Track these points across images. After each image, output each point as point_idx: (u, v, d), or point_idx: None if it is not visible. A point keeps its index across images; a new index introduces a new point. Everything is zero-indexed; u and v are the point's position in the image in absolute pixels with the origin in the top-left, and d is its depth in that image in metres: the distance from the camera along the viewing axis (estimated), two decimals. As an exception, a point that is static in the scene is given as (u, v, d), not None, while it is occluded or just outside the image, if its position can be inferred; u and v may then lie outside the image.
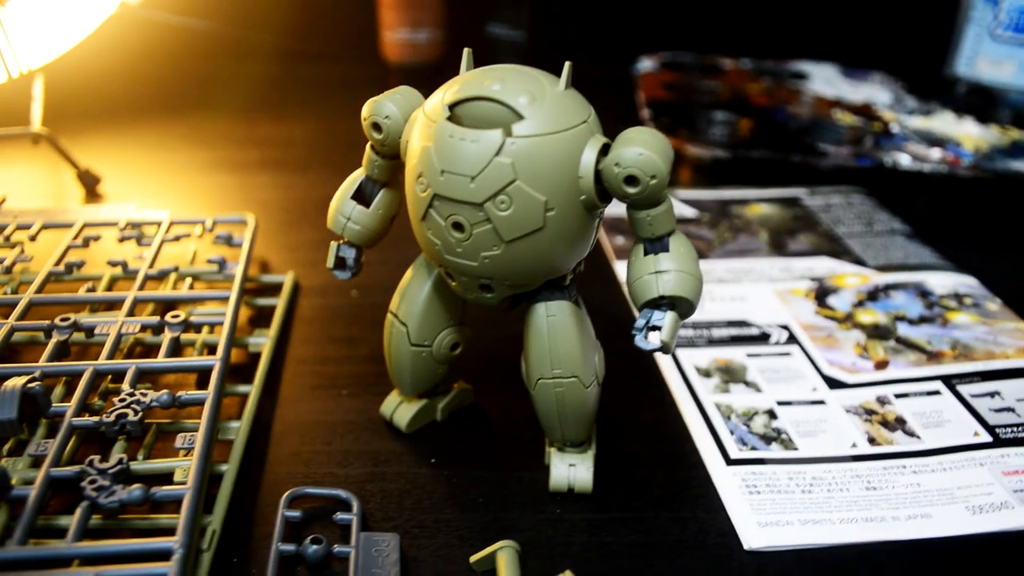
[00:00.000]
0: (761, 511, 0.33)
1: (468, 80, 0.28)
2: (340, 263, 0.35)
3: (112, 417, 0.32)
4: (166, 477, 0.31)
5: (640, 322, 0.29)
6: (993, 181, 0.63)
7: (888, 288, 0.50)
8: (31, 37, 0.58)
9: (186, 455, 0.32)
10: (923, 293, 0.49)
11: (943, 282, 0.50)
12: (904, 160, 0.64)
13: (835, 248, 0.54)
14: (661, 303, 0.29)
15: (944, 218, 0.61)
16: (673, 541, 0.32)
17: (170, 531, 0.28)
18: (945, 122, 0.73)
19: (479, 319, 0.36)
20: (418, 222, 0.29)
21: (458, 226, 0.28)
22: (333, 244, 0.35)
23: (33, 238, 0.46)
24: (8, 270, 0.42)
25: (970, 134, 0.70)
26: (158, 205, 0.49)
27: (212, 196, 0.58)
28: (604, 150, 0.28)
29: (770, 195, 0.62)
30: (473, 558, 0.30)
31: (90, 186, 0.57)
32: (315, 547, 0.29)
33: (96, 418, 0.32)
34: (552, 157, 0.27)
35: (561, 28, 0.83)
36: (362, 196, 0.34)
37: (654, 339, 0.28)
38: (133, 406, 0.32)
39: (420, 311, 0.34)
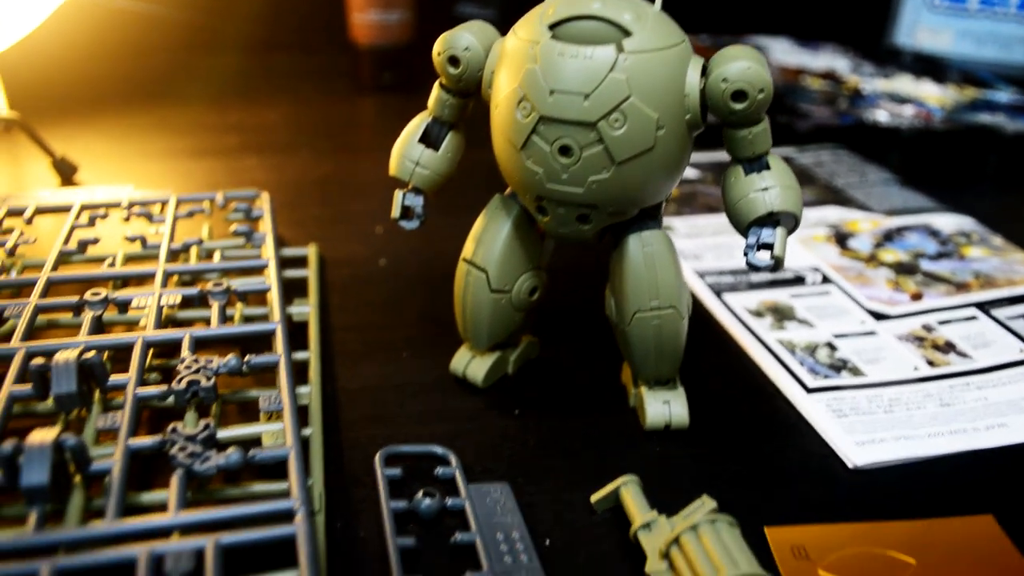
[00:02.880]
0: (854, 432, 0.33)
1: (565, 1, 0.27)
2: (406, 212, 0.33)
3: (183, 384, 0.29)
4: (253, 443, 0.29)
5: (751, 239, 0.28)
6: (964, 133, 0.66)
7: (901, 229, 0.51)
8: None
9: (268, 419, 0.30)
10: (933, 232, 0.51)
11: (947, 222, 0.52)
12: (882, 117, 0.66)
13: (839, 198, 0.56)
14: (768, 220, 0.29)
15: (922, 169, 0.63)
16: (777, 467, 0.31)
17: (268, 498, 0.26)
18: (905, 84, 0.76)
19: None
20: (515, 152, 0.28)
21: (566, 150, 0.27)
22: (398, 192, 0.33)
23: (29, 221, 0.42)
24: (11, 252, 0.39)
25: (932, 93, 0.74)
26: (147, 187, 0.46)
27: (201, 179, 0.55)
28: (703, 71, 0.28)
29: (762, 155, 0.63)
30: (595, 497, 0.28)
31: (67, 175, 0.53)
32: (428, 500, 0.28)
33: (163, 387, 0.29)
34: (662, 74, 0.27)
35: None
36: (428, 139, 0.32)
37: (765, 256, 0.28)
38: (203, 372, 0.30)
39: (500, 255, 0.32)
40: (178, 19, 0.76)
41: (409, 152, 0.32)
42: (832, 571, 0.27)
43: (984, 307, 0.43)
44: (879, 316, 0.42)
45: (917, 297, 0.44)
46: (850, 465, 0.31)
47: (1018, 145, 0.66)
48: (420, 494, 0.28)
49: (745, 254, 0.28)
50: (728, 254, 0.47)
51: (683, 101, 0.27)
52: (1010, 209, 0.56)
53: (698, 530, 0.25)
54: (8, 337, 0.33)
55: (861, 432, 0.33)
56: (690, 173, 0.59)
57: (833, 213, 0.53)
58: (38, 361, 0.29)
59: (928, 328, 0.41)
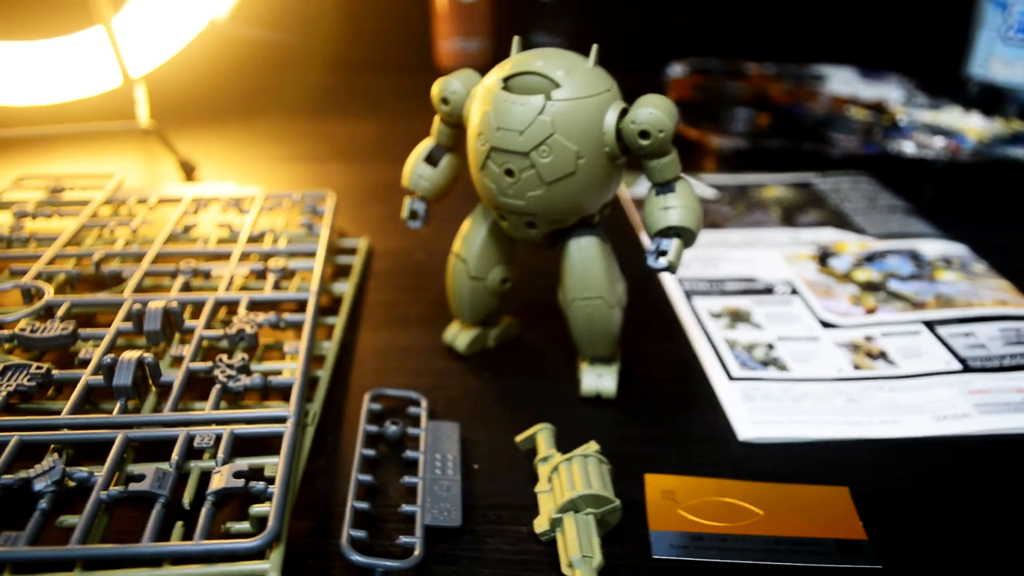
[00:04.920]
0: (755, 413, 0.40)
1: (518, 59, 0.36)
2: (413, 215, 0.43)
3: (234, 330, 0.40)
4: (276, 374, 0.39)
5: (652, 246, 0.36)
6: (991, 166, 0.69)
7: (885, 253, 0.56)
8: (137, 50, 0.68)
9: (292, 360, 0.40)
10: (915, 256, 0.55)
11: (935, 248, 0.56)
12: (908, 148, 0.70)
13: (840, 221, 0.61)
14: (669, 233, 0.36)
15: (945, 200, 0.67)
16: (681, 434, 0.39)
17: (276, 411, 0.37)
18: (952, 116, 0.79)
19: (525, 270, 0.43)
20: (478, 171, 0.37)
21: (509, 172, 0.36)
22: (407, 199, 0.43)
23: (151, 208, 0.55)
24: (135, 231, 0.51)
25: (975, 126, 0.76)
26: (248, 186, 0.58)
27: (292, 180, 0.67)
28: (623, 112, 0.36)
29: (784, 179, 0.69)
30: (518, 438, 0.37)
31: (188, 172, 0.66)
32: (394, 427, 0.37)
33: (221, 331, 0.40)
34: (582, 116, 0.35)
35: (599, 37, 0.91)
36: (431, 159, 0.42)
37: (662, 260, 0.36)
38: (250, 323, 0.41)
39: (477, 250, 0.41)
40: (293, 43, 0.90)
41: (416, 168, 0.42)
42: (689, 512, 0.34)
43: (931, 324, 0.48)
44: (829, 325, 0.48)
45: (871, 311, 0.49)
46: (740, 438, 0.38)
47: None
48: (388, 422, 0.38)
49: (646, 258, 0.36)
50: (712, 265, 0.54)
51: (602, 137, 0.35)
52: (1011, 240, 0.60)
53: (572, 461, 0.33)
54: (123, 291, 0.46)
55: (761, 414, 0.40)
56: (708, 194, 0.66)
57: (827, 235, 0.59)
58: (137, 307, 0.40)
59: (869, 338, 0.47)
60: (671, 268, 0.36)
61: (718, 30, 1.02)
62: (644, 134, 0.35)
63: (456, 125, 0.40)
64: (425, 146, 0.42)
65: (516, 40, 0.38)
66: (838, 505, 0.35)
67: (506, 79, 0.36)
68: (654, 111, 0.35)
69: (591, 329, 0.39)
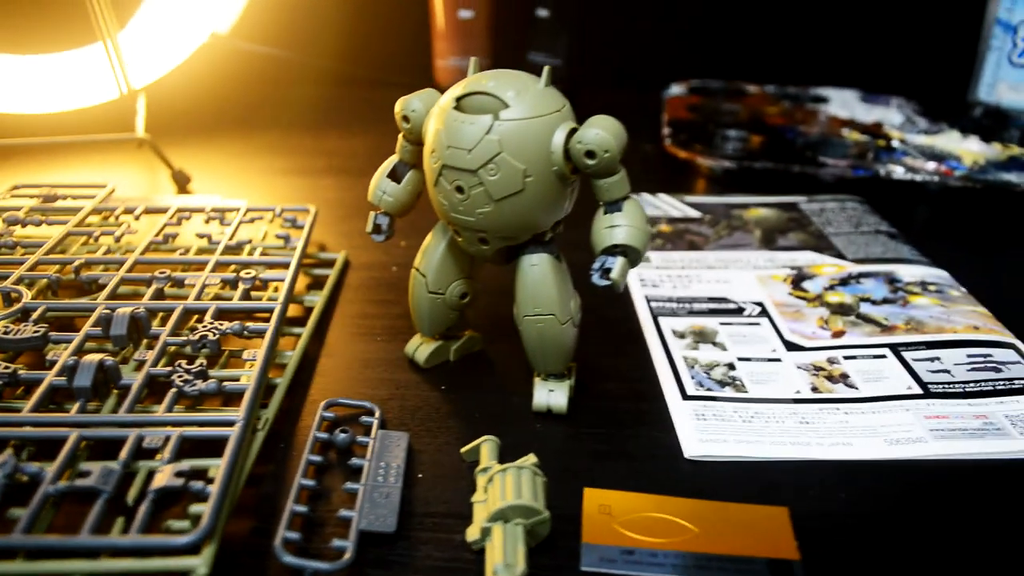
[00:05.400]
0: (704, 432, 0.40)
1: (471, 80, 0.37)
2: (376, 228, 0.44)
3: (196, 337, 0.41)
4: (235, 380, 0.40)
5: (596, 264, 0.37)
6: (983, 191, 0.69)
7: (860, 276, 0.56)
8: (137, 62, 0.71)
9: (250, 367, 0.41)
10: (892, 280, 0.55)
11: (913, 272, 0.56)
12: (898, 171, 0.70)
13: (820, 244, 0.61)
14: (615, 251, 0.37)
15: (935, 224, 0.67)
16: (629, 450, 0.39)
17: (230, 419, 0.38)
18: (950, 140, 0.79)
19: (490, 286, 0.44)
20: (432, 187, 0.38)
21: (460, 189, 0.37)
22: (372, 213, 0.44)
23: (137, 218, 0.56)
24: (118, 239, 0.53)
25: (971, 150, 0.76)
26: (237, 198, 0.60)
27: (283, 193, 0.69)
28: (572, 132, 0.36)
29: (771, 201, 0.69)
30: (464, 449, 0.38)
31: (182, 183, 0.68)
32: (343, 435, 0.38)
33: (185, 337, 0.42)
34: (530, 136, 0.36)
35: (598, 56, 0.92)
36: (395, 175, 0.43)
37: (606, 279, 0.36)
38: (212, 331, 0.42)
39: (436, 265, 0.42)
40: (293, 59, 0.92)
41: (380, 184, 0.43)
42: (624, 527, 0.34)
43: (897, 348, 0.48)
44: (793, 347, 0.48)
45: (839, 335, 0.49)
46: (686, 455, 0.39)
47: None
48: (338, 430, 0.38)
49: (591, 275, 0.37)
50: (685, 285, 0.55)
51: (550, 156, 0.36)
52: (995, 266, 0.59)
53: (507, 472, 0.34)
54: (97, 297, 0.47)
55: (710, 433, 0.40)
56: (693, 214, 0.66)
57: (804, 257, 0.59)
58: (107, 313, 0.42)
59: (832, 361, 0.47)
60: (615, 286, 0.36)
61: (725, 51, 1.03)
62: (590, 154, 0.35)
63: (417, 142, 0.41)
64: (389, 163, 0.43)
65: (473, 60, 0.39)
66: (775, 525, 0.35)
67: (458, 99, 0.37)
68: (600, 132, 0.35)
69: (542, 345, 0.40)
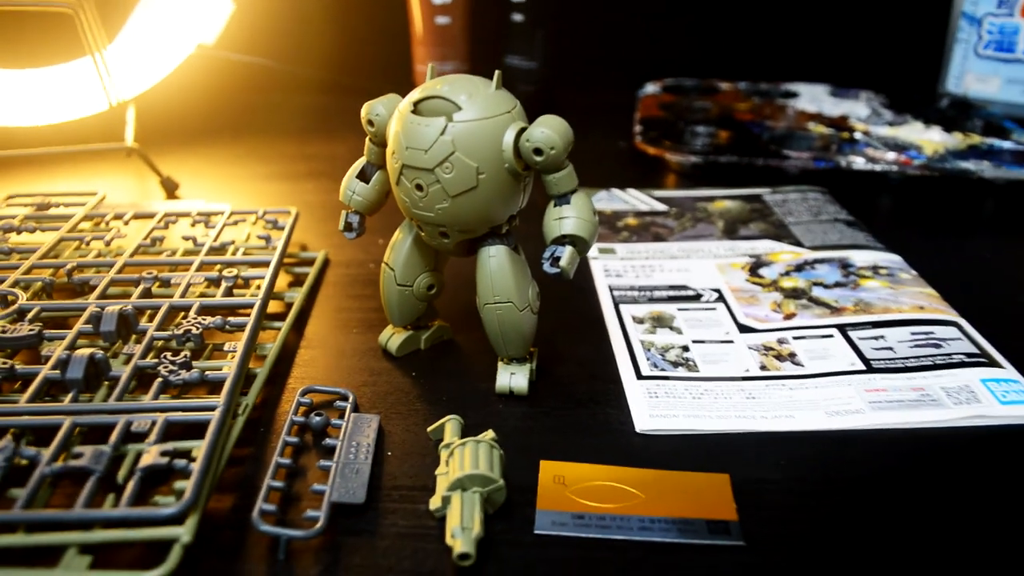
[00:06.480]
0: (655, 408, 0.43)
1: (428, 85, 0.40)
2: (348, 226, 0.47)
3: (181, 331, 0.44)
4: (217, 370, 0.43)
5: (547, 253, 0.40)
6: (940, 179, 0.72)
7: (816, 262, 0.59)
8: (126, 74, 0.74)
9: (231, 357, 0.44)
10: (845, 265, 0.58)
11: (866, 257, 0.59)
12: (859, 162, 0.73)
13: (780, 233, 0.64)
14: (564, 241, 0.40)
15: (894, 212, 0.69)
16: (584, 426, 0.42)
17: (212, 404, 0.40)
18: (912, 131, 0.81)
19: (459, 278, 0.47)
20: (394, 186, 0.41)
21: (419, 187, 0.40)
22: (343, 212, 0.47)
23: (126, 223, 0.59)
24: (108, 243, 0.56)
25: (932, 140, 0.79)
26: (223, 203, 0.63)
27: (267, 197, 0.72)
28: (522, 132, 0.39)
29: (735, 193, 0.72)
30: (430, 428, 0.41)
31: (170, 190, 0.71)
32: (318, 418, 0.41)
33: (170, 332, 0.44)
34: (482, 136, 0.39)
35: (575, 57, 0.95)
36: (364, 176, 0.46)
37: (555, 267, 0.39)
38: (196, 325, 0.45)
39: (403, 258, 0.45)
40: (275, 68, 0.95)
41: (350, 184, 0.46)
42: (576, 495, 0.37)
43: (844, 328, 0.50)
44: (746, 329, 0.51)
45: (790, 317, 0.52)
46: (637, 429, 0.42)
47: (985, 191, 0.71)
48: (313, 414, 0.41)
49: (541, 264, 0.40)
50: (647, 275, 0.57)
51: (501, 154, 0.39)
52: (947, 250, 0.62)
53: (466, 445, 0.36)
54: (88, 297, 0.50)
55: (661, 409, 0.43)
56: (659, 207, 0.69)
57: (764, 245, 0.62)
58: (97, 311, 0.45)
59: (782, 341, 0.49)
60: (564, 274, 0.39)
61: (701, 51, 1.06)
62: (538, 151, 0.38)
63: (383, 144, 0.44)
64: (359, 164, 0.46)
65: (430, 67, 0.42)
66: (716, 490, 0.38)
67: (416, 103, 0.40)
68: (546, 130, 0.38)
69: (503, 331, 0.43)
